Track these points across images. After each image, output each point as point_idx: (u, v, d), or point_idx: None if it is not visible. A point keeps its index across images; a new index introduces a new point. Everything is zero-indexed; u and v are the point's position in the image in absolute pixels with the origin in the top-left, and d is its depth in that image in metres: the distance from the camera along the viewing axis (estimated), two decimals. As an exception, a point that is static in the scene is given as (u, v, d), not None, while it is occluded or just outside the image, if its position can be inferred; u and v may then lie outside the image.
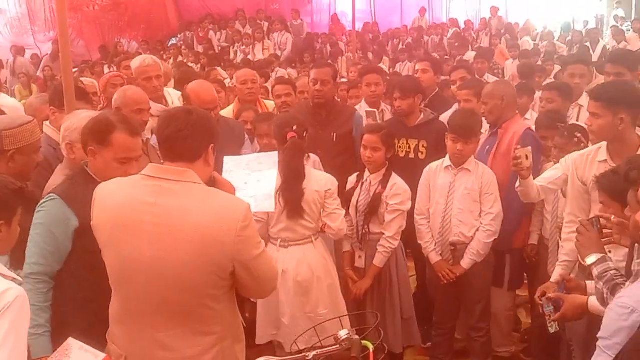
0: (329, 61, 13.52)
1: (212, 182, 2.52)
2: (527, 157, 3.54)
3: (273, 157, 3.43)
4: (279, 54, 14.50)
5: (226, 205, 2.37)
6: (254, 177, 3.45)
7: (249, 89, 5.48)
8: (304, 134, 3.91)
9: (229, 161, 3.26)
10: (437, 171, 4.19)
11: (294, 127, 3.87)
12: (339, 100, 5.91)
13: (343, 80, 8.69)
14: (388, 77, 7.16)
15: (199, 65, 12.71)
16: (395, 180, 4.06)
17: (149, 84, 4.89)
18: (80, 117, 3.22)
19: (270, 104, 5.74)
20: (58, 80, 6.09)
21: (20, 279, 2.31)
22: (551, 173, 3.71)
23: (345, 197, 4.10)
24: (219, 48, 15.51)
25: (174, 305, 2.36)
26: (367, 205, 4.06)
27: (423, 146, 4.57)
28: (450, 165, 4.13)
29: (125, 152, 2.86)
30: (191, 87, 4.52)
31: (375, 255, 4.06)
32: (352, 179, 4.23)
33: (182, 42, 15.82)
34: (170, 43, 15.67)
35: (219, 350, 2.42)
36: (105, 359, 2.26)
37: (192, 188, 2.34)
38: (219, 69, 6.89)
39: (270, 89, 7.65)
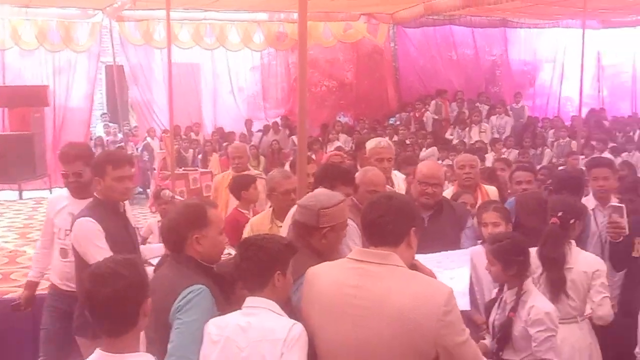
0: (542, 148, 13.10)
1: (413, 268, 2.58)
2: None
3: (465, 255, 3.38)
4: (497, 137, 14.24)
5: (428, 288, 2.37)
6: (445, 274, 3.41)
7: (466, 173, 5.39)
8: (570, 222, 3.85)
9: (418, 259, 3.21)
10: None
11: (559, 214, 3.82)
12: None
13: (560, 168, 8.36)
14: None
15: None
16: (535, 301, 3.43)
17: (380, 165, 5.07)
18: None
19: (491, 190, 5.55)
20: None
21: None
22: None
23: (485, 308, 3.69)
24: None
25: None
26: (500, 328, 3.47)
27: None
28: None
29: None
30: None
31: None
32: (493, 290, 3.73)
33: (399, 122, 16.22)
34: (389, 122, 16.12)
35: None
36: None
37: (395, 271, 2.40)
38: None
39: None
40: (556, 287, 3.73)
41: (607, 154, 11.58)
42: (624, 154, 12.48)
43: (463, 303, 3.19)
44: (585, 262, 3.80)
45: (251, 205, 5.68)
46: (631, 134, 14.71)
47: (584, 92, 10.93)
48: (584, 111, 14.24)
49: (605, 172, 5.03)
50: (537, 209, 4.52)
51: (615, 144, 13.27)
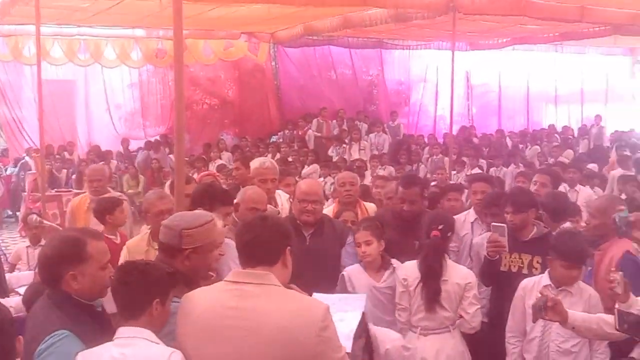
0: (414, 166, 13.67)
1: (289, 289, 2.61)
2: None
3: (361, 300, 3.45)
4: (376, 154, 14.66)
5: (305, 306, 2.43)
6: (337, 316, 3.42)
7: (346, 191, 5.54)
8: (448, 235, 4.09)
9: (316, 297, 3.22)
10: (533, 289, 3.88)
11: (440, 227, 4.00)
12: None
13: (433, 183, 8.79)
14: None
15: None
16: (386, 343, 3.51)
17: (264, 186, 5.13)
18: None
19: (370, 207, 5.70)
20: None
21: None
22: None
23: None
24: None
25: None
26: None
27: (537, 262, 4.32)
28: (550, 285, 3.81)
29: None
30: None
31: None
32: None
33: (281, 139, 16.34)
34: (271, 140, 16.20)
35: None
36: None
37: (272, 290, 2.43)
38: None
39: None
40: (432, 298, 3.93)
41: (477, 170, 12.26)
42: (492, 169, 13.25)
43: (346, 345, 3.24)
44: (458, 275, 4.02)
45: (118, 229, 5.45)
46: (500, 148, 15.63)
47: (454, 111, 11.48)
48: (455, 128, 14.97)
49: (484, 186, 5.37)
50: (394, 223, 4.69)
51: (484, 160, 14.04)
